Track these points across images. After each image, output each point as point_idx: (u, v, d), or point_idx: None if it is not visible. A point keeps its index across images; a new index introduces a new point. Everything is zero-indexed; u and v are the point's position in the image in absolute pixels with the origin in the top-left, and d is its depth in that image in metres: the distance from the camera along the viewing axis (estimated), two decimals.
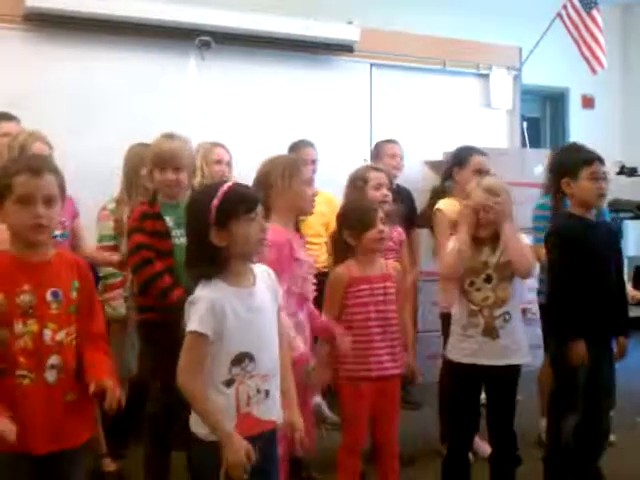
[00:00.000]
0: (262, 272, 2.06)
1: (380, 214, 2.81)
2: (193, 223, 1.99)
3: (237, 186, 1.99)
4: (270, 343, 2.01)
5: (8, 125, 3.49)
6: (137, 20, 4.27)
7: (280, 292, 2.12)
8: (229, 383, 1.91)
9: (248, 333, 1.92)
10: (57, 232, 3.13)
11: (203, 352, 1.88)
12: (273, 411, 2.00)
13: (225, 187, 1.95)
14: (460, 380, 2.76)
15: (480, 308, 2.71)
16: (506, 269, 2.72)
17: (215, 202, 1.90)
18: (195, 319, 1.87)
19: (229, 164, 3.75)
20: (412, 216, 4.20)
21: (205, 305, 1.88)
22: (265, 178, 2.69)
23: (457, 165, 3.63)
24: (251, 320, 1.94)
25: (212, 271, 1.93)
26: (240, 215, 1.91)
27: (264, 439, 1.98)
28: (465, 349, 2.73)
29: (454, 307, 2.83)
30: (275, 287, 2.09)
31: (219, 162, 3.69)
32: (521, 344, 2.76)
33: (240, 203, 1.92)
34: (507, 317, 2.70)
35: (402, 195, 3.80)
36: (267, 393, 1.97)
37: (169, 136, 2.88)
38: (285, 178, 2.63)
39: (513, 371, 2.75)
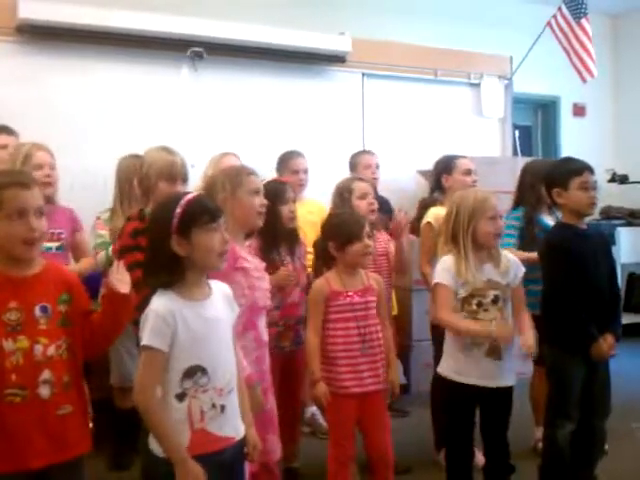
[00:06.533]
0: (219, 288, 2.04)
1: (367, 228, 2.75)
2: (155, 230, 1.97)
3: (202, 196, 2.03)
4: (225, 357, 1.97)
5: (8, 139, 3.48)
6: (130, 31, 4.28)
7: (237, 310, 2.09)
8: (181, 397, 1.87)
9: (200, 346, 1.90)
10: (52, 244, 3.13)
11: (159, 367, 1.85)
12: (231, 427, 1.96)
13: (190, 196, 1.96)
14: (457, 398, 2.71)
15: None
16: (509, 290, 2.71)
17: (178, 210, 1.91)
18: (148, 332, 1.85)
19: None
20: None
21: (157, 318, 1.86)
22: (210, 187, 2.63)
23: (444, 172, 3.63)
24: (204, 333, 1.91)
25: (169, 280, 1.91)
26: (202, 224, 1.91)
27: (227, 455, 1.94)
28: (463, 369, 2.67)
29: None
30: (232, 304, 2.07)
31: None
32: (514, 365, 2.76)
33: (203, 212, 1.93)
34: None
35: (382, 204, 3.78)
36: (223, 408, 1.93)
37: (168, 149, 2.84)
38: (227, 188, 2.57)
39: (509, 390, 2.74)
